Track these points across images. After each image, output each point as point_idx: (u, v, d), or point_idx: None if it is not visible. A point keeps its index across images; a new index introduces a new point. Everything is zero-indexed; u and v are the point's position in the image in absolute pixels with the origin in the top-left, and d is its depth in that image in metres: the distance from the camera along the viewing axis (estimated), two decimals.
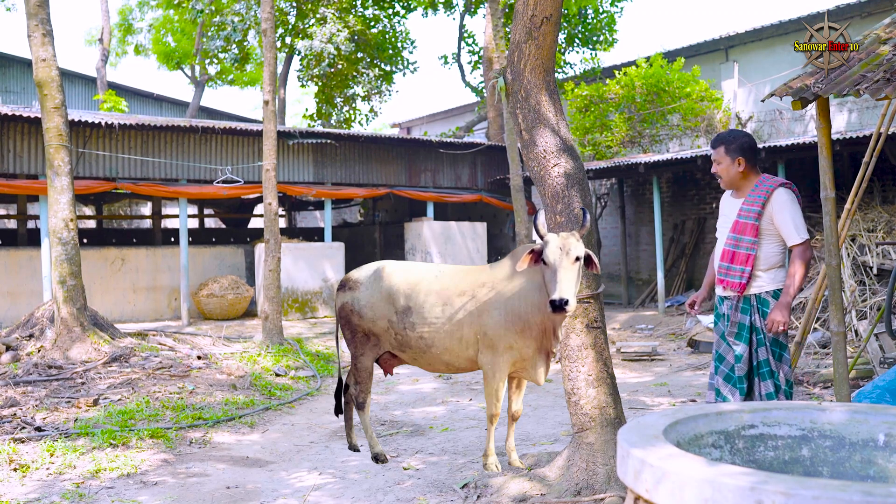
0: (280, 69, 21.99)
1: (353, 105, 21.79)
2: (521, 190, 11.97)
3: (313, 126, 21.12)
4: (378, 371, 5.17)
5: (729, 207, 4.16)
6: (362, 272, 4.91)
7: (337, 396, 5.22)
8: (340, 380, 5.20)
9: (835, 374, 4.60)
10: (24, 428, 5.62)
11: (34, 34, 8.42)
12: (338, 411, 5.23)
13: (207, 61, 23.91)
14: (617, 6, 20.30)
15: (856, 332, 8.33)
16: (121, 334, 8.79)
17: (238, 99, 78.95)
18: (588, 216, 3.95)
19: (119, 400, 6.52)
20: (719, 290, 4.13)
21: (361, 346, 4.84)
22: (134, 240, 20.28)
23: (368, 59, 21.16)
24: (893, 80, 4.08)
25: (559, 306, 3.66)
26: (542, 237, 3.90)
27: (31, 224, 18.57)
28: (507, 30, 15.16)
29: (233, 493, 4.45)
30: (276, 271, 9.79)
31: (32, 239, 15.92)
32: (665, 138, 16.05)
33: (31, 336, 8.34)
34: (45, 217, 10.90)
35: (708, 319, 9.89)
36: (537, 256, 3.91)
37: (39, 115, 9.33)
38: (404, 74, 22.79)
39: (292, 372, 8.27)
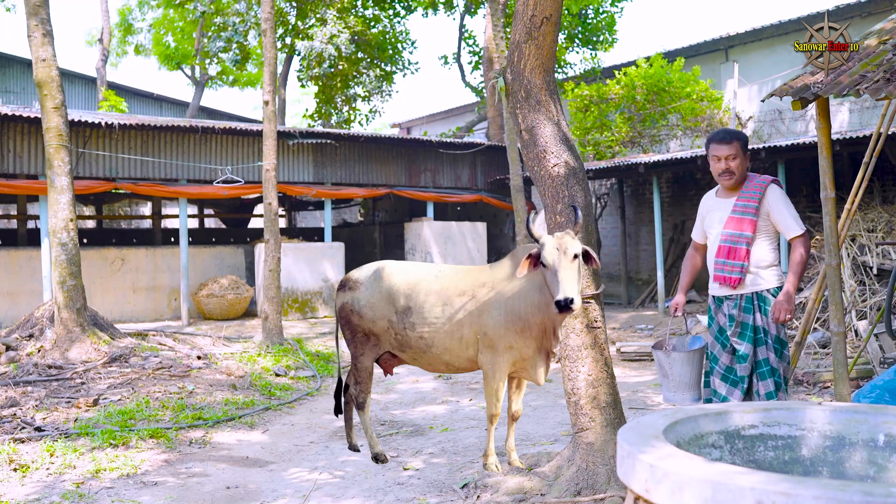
0: (280, 69, 21.97)
1: (353, 105, 21.79)
2: (521, 190, 11.96)
3: (313, 126, 21.10)
4: (378, 371, 5.17)
5: (716, 207, 4.17)
6: (362, 272, 4.91)
7: (336, 396, 5.22)
8: (340, 380, 5.19)
9: (835, 374, 4.60)
10: (24, 428, 5.62)
11: (34, 34, 8.42)
12: (337, 411, 5.24)
13: (208, 61, 23.89)
14: (617, 6, 20.30)
15: (856, 332, 8.33)
16: (120, 334, 8.78)
17: (238, 99, 79.02)
18: (580, 213, 3.92)
19: (119, 400, 6.51)
20: (715, 290, 4.14)
21: (361, 346, 4.84)
22: (134, 240, 20.26)
23: (369, 60, 21.15)
24: (893, 80, 4.08)
25: (565, 306, 3.64)
26: (537, 240, 3.88)
27: (31, 224, 18.55)
28: (507, 30, 15.15)
29: (233, 493, 4.45)
30: (276, 271, 9.79)
31: (32, 239, 15.90)
32: (665, 138, 16.04)
33: (30, 336, 8.34)
34: (45, 217, 10.89)
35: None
36: (535, 260, 3.89)
37: (39, 115, 9.32)
38: (404, 75, 22.77)
39: (292, 372, 8.27)
